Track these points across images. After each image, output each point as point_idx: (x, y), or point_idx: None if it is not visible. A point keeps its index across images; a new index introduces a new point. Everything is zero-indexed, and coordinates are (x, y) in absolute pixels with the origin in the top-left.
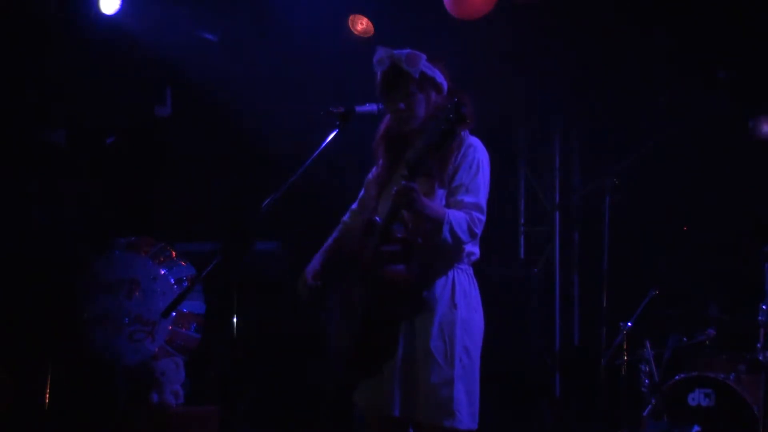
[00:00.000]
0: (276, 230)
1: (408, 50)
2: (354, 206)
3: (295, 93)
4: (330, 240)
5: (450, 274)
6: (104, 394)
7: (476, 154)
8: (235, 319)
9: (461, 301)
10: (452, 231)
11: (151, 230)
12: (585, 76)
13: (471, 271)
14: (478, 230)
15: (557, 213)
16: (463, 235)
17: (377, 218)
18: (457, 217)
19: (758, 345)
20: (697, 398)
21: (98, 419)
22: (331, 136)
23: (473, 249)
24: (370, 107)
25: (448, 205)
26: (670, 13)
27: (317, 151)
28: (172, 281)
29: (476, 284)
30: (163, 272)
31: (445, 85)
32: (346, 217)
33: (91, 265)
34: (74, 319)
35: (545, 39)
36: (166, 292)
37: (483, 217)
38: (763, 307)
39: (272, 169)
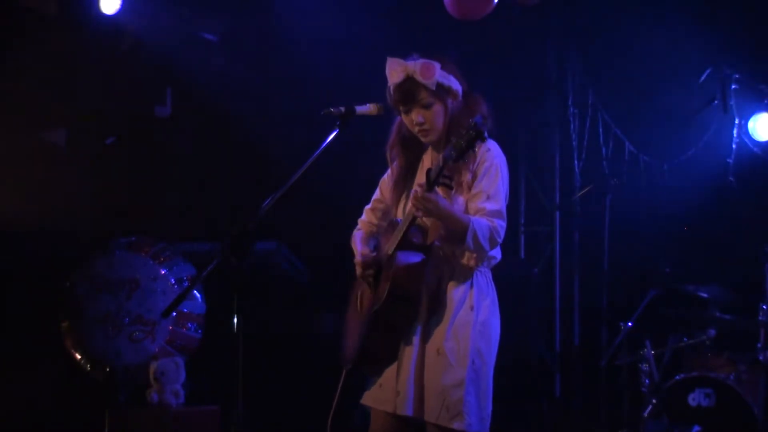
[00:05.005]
0: (276, 230)
1: (421, 60)
2: (368, 206)
3: (295, 93)
4: (359, 234)
5: (469, 276)
6: (104, 394)
7: (494, 158)
8: (235, 319)
9: (479, 303)
10: (475, 239)
11: (151, 230)
12: (585, 76)
13: (490, 274)
14: (500, 238)
15: (557, 213)
16: (485, 243)
17: (398, 220)
18: (480, 226)
19: (758, 345)
20: (697, 398)
21: (98, 419)
22: (332, 136)
23: (495, 253)
24: (370, 107)
25: (467, 211)
26: (669, 13)
27: (317, 152)
28: (172, 281)
29: (494, 287)
30: (163, 272)
31: (460, 89)
32: (363, 217)
33: (91, 265)
34: (74, 319)
35: (545, 38)
36: (166, 292)
37: (504, 224)
38: (763, 307)
39: (272, 169)
